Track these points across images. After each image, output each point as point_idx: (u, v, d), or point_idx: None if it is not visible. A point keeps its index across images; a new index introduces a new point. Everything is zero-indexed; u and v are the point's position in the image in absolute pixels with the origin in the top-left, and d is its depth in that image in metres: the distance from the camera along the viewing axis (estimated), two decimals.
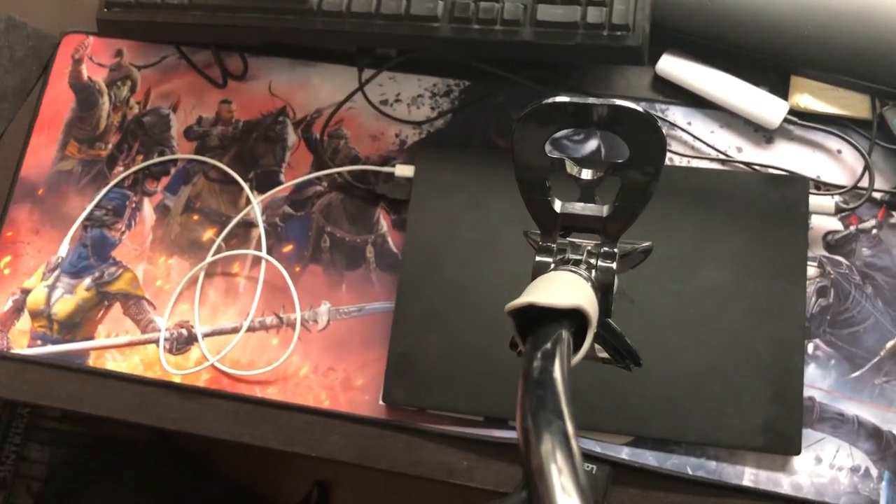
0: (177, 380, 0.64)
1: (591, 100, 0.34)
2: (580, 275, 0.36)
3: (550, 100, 0.35)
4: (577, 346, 0.33)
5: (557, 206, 0.39)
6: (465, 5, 0.62)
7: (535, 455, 0.25)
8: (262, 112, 0.70)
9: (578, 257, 0.38)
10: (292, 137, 0.70)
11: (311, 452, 0.62)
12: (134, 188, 0.69)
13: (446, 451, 0.61)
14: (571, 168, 0.39)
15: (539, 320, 0.32)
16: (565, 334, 0.31)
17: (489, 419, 0.60)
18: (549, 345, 0.30)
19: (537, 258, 0.39)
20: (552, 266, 0.38)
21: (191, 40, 0.71)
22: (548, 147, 0.38)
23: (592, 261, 0.38)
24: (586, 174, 0.39)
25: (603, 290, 0.37)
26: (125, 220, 0.69)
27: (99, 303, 0.66)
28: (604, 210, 0.39)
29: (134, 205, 0.69)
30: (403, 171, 0.65)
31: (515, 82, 0.67)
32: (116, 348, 0.65)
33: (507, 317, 0.33)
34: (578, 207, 0.39)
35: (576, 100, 0.34)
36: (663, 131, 0.35)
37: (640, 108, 0.34)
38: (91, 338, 0.66)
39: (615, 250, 0.39)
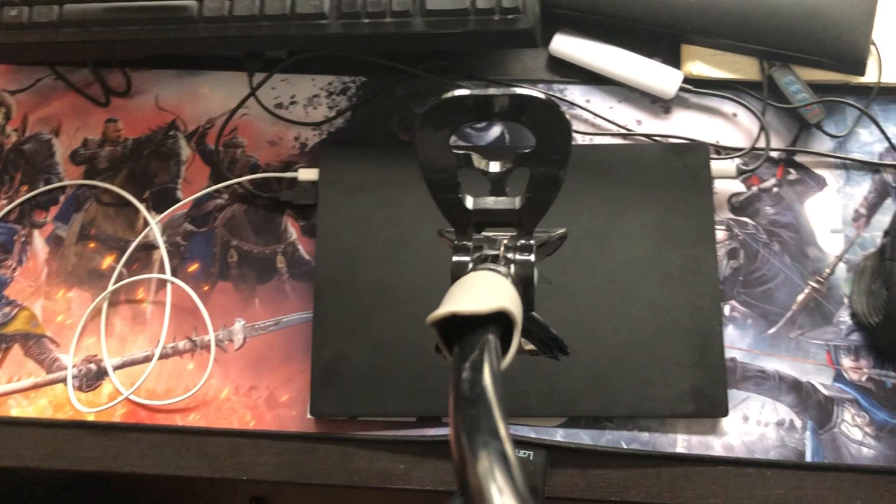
0: (91, 418, 0.60)
1: (491, 91, 0.33)
2: (500, 272, 0.35)
3: (449, 94, 0.33)
4: (505, 345, 0.32)
5: (469, 202, 0.38)
6: (352, 0, 0.60)
7: (473, 473, 0.24)
8: (151, 128, 0.67)
9: (496, 252, 0.37)
10: (186, 151, 0.67)
11: (242, 476, 0.59)
12: (21, 221, 0.65)
13: (382, 456, 0.59)
14: (479, 162, 0.38)
15: (463, 327, 0.31)
16: (492, 339, 0.30)
17: (422, 419, 0.59)
18: (476, 353, 0.29)
19: (454, 258, 0.38)
20: (470, 265, 0.37)
21: (66, 59, 0.67)
22: (453, 141, 0.36)
23: (510, 255, 0.37)
24: (494, 167, 0.38)
25: (524, 283, 0.37)
26: (15, 257, 0.64)
27: None
28: (516, 202, 0.38)
29: (23, 239, 0.65)
30: (307, 174, 0.63)
31: (412, 74, 0.66)
32: (20, 392, 0.61)
33: (431, 328, 0.32)
34: (491, 202, 0.38)
35: (476, 92, 0.33)
36: (567, 117, 0.34)
37: (541, 96, 0.33)
38: None
39: (532, 242, 0.38)
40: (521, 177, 0.38)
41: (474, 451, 0.24)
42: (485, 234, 0.39)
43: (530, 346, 0.40)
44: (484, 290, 0.32)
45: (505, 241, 0.38)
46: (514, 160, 0.37)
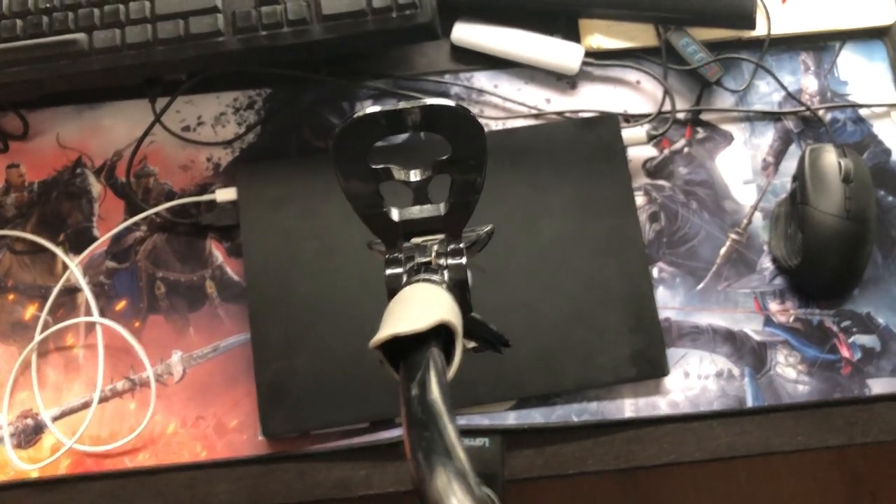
0: (34, 475, 0.58)
1: (401, 105, 0.33)
2: (434, 282, 0.36)
3: (360, 113, 0.33)
4: (449, 354, 0.32)
5: (395, 214, 0.39)
6: (246, 14, 0.59)
7: (431, 491, 0.24)
8: (56, 168, 0.65)
9: (427, 259, 0.38)
10: (97, 187, 0.65)
11: None
12: None
13: (340, 466, 0.59)
14: (399, 174, 0.38)
15: (406, 346, 0.31)
16: (435, 352, 0.31)
17: (374, 423, 0.59)
18: (421, 372, 0.29)
19: (387, 271, 0.38)
20: (404, 277, 0.37)
21: None
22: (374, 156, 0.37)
23: (442, 260, 0.38)
24: (415, 176, 0.39)
25: (459, 287, 0.37)
26: None
27: None
28: (441, 208, 0.38)
29: None
30: (225, 195, 0.62)
31: (318, 80, 0.66)
32: None
33: (374, 351, 0.32)
34: (416, 211, 0.39)
35: (386, 108, 0.33)
36: (480, 122, 0.35)
37: (451, 104, 0.33)
38: None
39: (461, 245, 0.39)
40: (443, 185, 0.38)
41: (432, 469, 0.25)
42: (414, 241, 0.39)
43: (473, 345, 0.41)
44: (421, 306, 0.33)
45: (435, 248, 0.38)
46: (433, 167, 0.38)
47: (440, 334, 0.32)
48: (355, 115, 0.34)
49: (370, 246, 0.42)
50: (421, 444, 0.27)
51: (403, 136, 0.64)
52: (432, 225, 0.39)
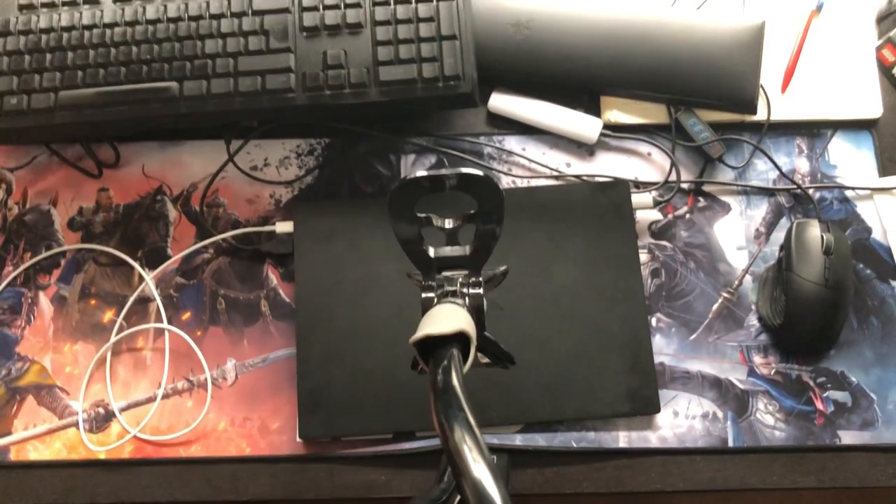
0: (102, 456, 0.68)
1: (442, 172, 0.43)
2: (458, 304, 0.46)
3: (411, 177, 0.43)
4: (465, 356, 0.42)
5: (431, 252, 0.49)
6: (314, 75, 0.69)
7: (451, 441, 0.34)
8: (139, 194, 0.75)
9: (454, 288, 0.48)
10: (173, 213, 0.75)
11: (242, 498, 0.67)
12: (27, 285, 0.73)
13: (365, 470, 0.68)
14: (437, 221, 0.49)
15: (435, 345, 0.41)
16: (455, 352, 0.40)
17: (398, 434, 0.68)
18: (445, 362, 0.39)
19: (423, 295, 0.48)
20: (435, 300, 0.47)
21: (62, 139, 0.75)
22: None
23: (465, 290, 0.48)
24: (449, 224, 0.49)
25: (476, 310, 0.47)
26: (23, 316, 0.72)
27: (11, 399, 0.69)
28: (467, 249, 0.49)
29: (30, 300, 0.72)
30: (283, 227, 0.72)
31: (371, 134, 0.76)
32: (37, 438, 0.68)
33: (412, 347, 0.42)
34: (447, 251, 0.49)
35: (430, 173, 0.43)
36: (500, 187, 0.45)
37: (480, 173, 0.43)
38: (9, 433, 0.68)
39: (480, 279, 0.49)
40: (470, 231, 0.48)
41: (450, 423, 0.34)
42: (444, 274, 0.49)
43: (486, 360, 0.50)
44: (447, 318, 0.43)
45: (460, 280, 0.49)
46: (463, 219, 0.48)
47: (460, 340, 0.42)
48: (407, 178, 0.44)
49: (410, 276, 0.51)
50: (445, 410, 0.36)
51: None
52: (459, 262, 0.49)
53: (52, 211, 0.75)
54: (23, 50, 0.70)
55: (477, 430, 0.35)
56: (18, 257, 0.73)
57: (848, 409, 0.69)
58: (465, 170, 0.43)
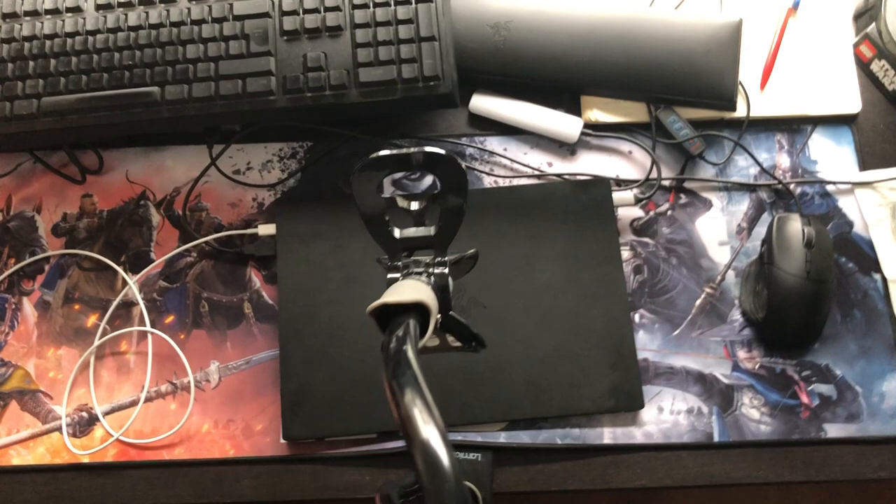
0: (85, 460, 0.67)
1: (405, 150, 0.44)
2: (421, 279, 0.46)
3: (375, 155, 0.44)
4: (424, 331, 0.42)
5: (397, 233, 0.49)
6: (295, 77, 0.70)
7: (402, 405, 0.34)
8: (123, 199, 0.76)
9: (420, 270, 0.48)
10: (156, 217, 0.75)
11: (226, 500, 0.67)
12: (11, 290, 0.73)
13: (349, 470, 0.68)
14: (402, 202, 0.49)
15: (393, 315, 0.41)
16: (412, 322, 0.40)
17: (381, 434, 0.68)
18: (400, 330, 0.39)
19: (388, 276, 0.48)
20: (400, 278, 0.47)
21: (44, 145, 0.76)
22: (391, 192, 0.47)
23: (430, 269, 0.48)
24: (414, 205, 0.49)
25: (441, 289, 0.47)
26: (7, 322, 0.72)
27: None
28: (432, 230, 0.48)
29: (13, 306, 0.72)
30: (266, 229, 0.72)
31: (352, 136, 0.76)
32: (20, 443, 0.68)
33: (369, 317, 0.42)
34: (412, 231, 0.49)
35: (395, 152, 0.44)
36: (463, 166, 0.45)
37: (443, 152, 0.44)
38: None
39: (446, 259, 0.49)
40: (436, 213, 0.48)
41: (402, 389, 0.34)
42: (413, 257, 0.49)
43: (456, 343, 0.50)
44: (408, 290, 0.43)
45: (426, 261, 0.49)
46: (428, 199, 0.48)
47: (419, 312, 0.41)
48: (371, 156, 0.44)
49: (379, 260, 0.51)
50: (395, 375, 0.36)
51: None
52: (425, 242, 0.49)
53: (35, 217, 0.75)
54: (5, 58, 0.71)
55: (428, 396, 0.35)
56: (2, 263, 0.74)
57: (833, 403, 0.69)
58: (429, 148, 0.44)
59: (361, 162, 0.44)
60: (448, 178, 0.45)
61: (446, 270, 0.48)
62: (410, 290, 0.43)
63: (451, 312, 0.48)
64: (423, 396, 0.34)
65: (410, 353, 0.37)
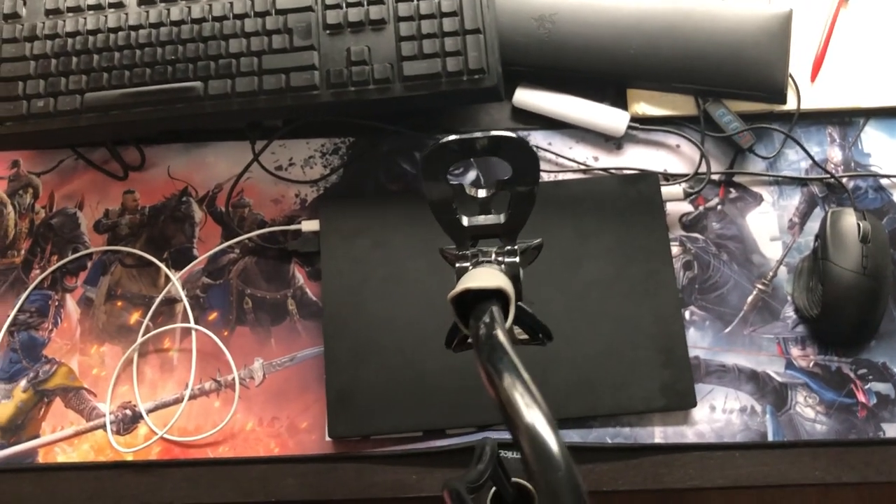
0: (129, 458, 0.67)
1: (474, 134, 0.43)
2: (495, 266, 0.44)
3: (442, 140, 0.43)
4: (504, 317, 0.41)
5: (465, 221, 0.48)
6: (339, 71, 0.69)
7: (501, 389, 0.32)
8: (165, 196, 0.75)
9: (489, 259, 0.46)
10: (199, 214, 0.75)
11: (270, 499, 0.66)
12: (54, 287, 0.72)
13: (395, 469, 0.66)
14: (470, 190, 0.48)
15: (472, 303, 0.40)
16: (496, 308, 0.39)
17: (427, 432, 0.66)
18: (487, 316, 0.38)
19: (457, 265, 0.47)
20: (470, 269, 0.46)
21: (87, 141, 0.76)
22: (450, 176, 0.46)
23: (500, 259, 0.47)
24: (482, 193, 0.48)
25: (513, 279, 0.45)
26: (50, 319, 0.71)
27: (39, 401, 0.69)
28: (501, 218, 0.47)
29: (57, 303, 0.72)
30: (309, 226, 0.72)
31: (396, 131, 0.75)
32: (64, 440, 0.68)
33: (449, 304, 0.41)
34: (481, 219, 0.48)
35: (461, 137, 0.42)
36: (534, 148, 0.43)
37: (513, 135, 0.42)
38: (37, 436, 0.68)
39: (516, 247, 0.47)
40: (502, 201, 0.47)
41: (499, 373, 0.33)
42: (479, 247, 0.48)
43: (523, 336, 0.49)
44: (487, 276, 0.42)
45: (495, 250, 0.47)
46: (496, 186, 0.47)
47: (499, 299, 0.40)
48: (437, 142, 0.43)
49: (442, 251, 0.50)
50: (490, 358, 0.34)
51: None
52: (494, 230, 0.48)
53: (78, 214, 0.75)
54: (49, 54, 0.71)
55: (527, 377, 0.33)
56: (45, 260, 0.73)
57: (892, 402, 0.67)
58: (496, 132, 0.42)
59: (427, 149, 0.43)
60: (518, 162, 0.44)
61: (517, 259, 0.46)
62: (489, 276, 0.42)
63: (520, 303, 0.47)
64: (523, 380, 0.33)
65: (503, 337, 0.36)
